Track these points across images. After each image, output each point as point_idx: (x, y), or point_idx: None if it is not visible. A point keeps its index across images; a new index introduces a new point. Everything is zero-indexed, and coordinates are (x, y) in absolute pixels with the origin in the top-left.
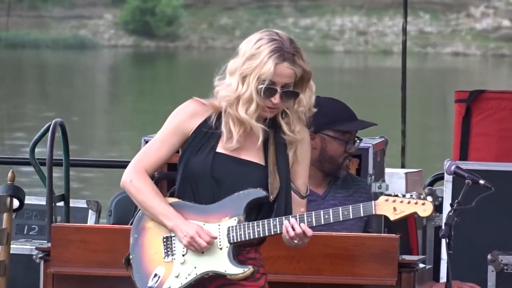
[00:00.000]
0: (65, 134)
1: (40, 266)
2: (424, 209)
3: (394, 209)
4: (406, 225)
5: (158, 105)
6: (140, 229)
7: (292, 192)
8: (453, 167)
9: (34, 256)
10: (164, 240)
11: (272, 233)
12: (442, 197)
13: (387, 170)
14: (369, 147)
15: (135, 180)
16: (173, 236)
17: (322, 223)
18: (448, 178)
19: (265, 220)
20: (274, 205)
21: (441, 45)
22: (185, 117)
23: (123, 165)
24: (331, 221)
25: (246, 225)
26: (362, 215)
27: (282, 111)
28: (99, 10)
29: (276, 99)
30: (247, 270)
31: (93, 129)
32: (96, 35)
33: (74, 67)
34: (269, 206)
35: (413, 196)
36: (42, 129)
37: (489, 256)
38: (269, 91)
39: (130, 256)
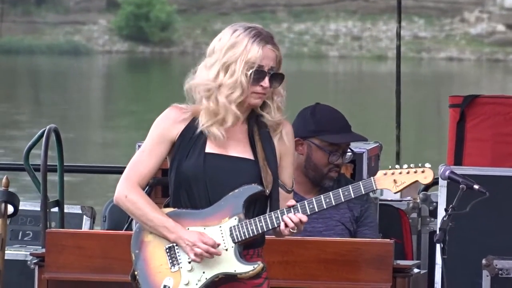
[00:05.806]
0: (60, 140)
1: (35, 272)
2: (425, 176)
3: (395, 181)
4: (401, 230)
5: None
6: (140, 244)
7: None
8: (447, 172)
9: (29, 262)
10: (167, 250)
11: (276, 226)
12: (436, 202)
13: None
14: (364, 152)
15: (130, 195)
16: (176, 245)
17: (325, 207)
18: (442, 183)
19: (266, 215)
20: (268, 198)
21: (436, 50)
22: (168, 124)
23: (118, 170)
24: (333, 203)
25: (248, 222)
26: (363, 192)
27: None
28: (93, 15)
29: (266, 82)
30: (257, 266)
31: (88, 134)
32: (90, 41)
33: (68, 73)
34: (263, 200)
35: (411, 166)
36: (36, 135)
37: (483, 261)
38: (259, 74)
39: (136, 272)
